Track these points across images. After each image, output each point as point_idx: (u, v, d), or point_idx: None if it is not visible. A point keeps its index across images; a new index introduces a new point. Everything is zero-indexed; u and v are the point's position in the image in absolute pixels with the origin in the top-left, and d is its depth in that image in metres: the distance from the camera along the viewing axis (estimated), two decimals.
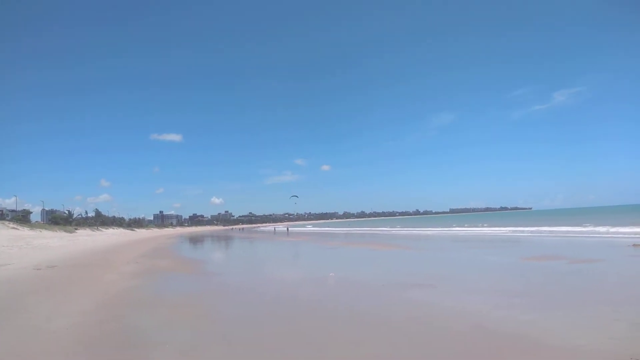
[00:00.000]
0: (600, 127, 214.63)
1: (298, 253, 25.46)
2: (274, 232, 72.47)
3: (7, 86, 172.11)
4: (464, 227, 50.35)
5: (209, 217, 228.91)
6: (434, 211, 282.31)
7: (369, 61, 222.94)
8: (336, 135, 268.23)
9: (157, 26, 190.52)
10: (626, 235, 24.71)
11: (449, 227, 53.18)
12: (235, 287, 11.69)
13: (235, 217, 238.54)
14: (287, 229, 76.29)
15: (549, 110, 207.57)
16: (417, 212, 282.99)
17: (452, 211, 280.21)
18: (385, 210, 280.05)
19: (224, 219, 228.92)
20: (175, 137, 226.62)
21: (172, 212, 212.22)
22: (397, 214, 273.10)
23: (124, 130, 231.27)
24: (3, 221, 59.01)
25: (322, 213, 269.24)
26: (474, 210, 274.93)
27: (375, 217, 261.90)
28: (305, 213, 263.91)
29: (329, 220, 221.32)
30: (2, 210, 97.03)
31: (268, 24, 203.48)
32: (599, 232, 29.08)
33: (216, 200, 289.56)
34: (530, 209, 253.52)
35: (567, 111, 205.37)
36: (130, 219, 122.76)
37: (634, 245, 17.87)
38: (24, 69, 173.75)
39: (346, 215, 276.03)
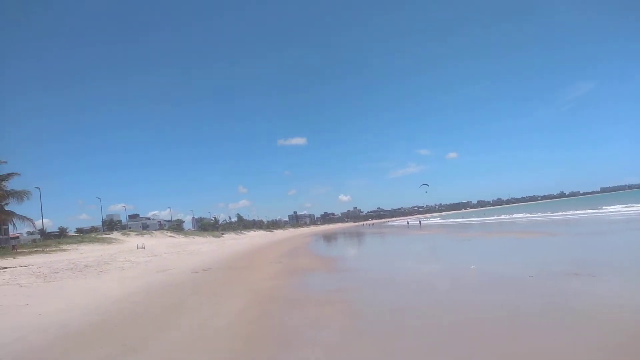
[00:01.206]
0: None
1: (433, 246, 24.78)
2: (408, 225, 71.57)
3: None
4: (620, 206, 44.43)
5: (339, 215, 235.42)
6: (581, 192, 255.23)
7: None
8: (460, 120, 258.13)
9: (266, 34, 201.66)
10: None
11: (602, 208, 47.44)
12: (375, 282, 11.72)
13: (364, 213, 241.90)
14: (420, 222, 74.94)
15: None
16: (561, 195, 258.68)
17: (604, 190, 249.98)
18: (524, 195, 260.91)
19: (354, 215, 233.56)
20: (300, 141, 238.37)
21: (305, 212, 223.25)
22: (539, 198, 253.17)
23: (254, 138, 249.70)
24: (162, 231, 67.03)
25: (453, 203, 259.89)
26: (630, 187, 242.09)
27: (513, 203, 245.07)
28: (436, 204, 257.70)
29: (462, 211, 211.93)
30: (160, 221, 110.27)
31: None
32: None
33: (344, 197, 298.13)
34: None
35: None
36: (268, 221, 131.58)
37: None
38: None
39: (480, 204, 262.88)
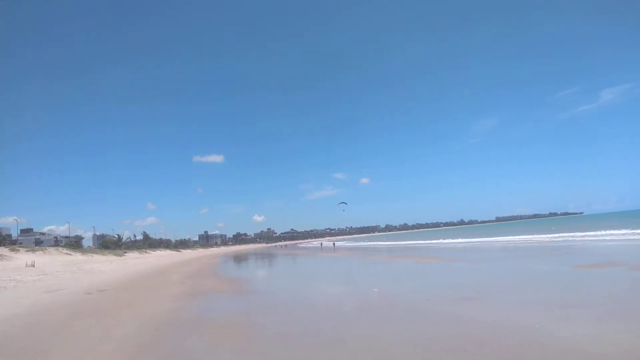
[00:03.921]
0: None
1: (341, 269, 25.19)
2: (321, 247, 72.01)
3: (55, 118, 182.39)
4: (511, 235, 48.49)
5: (252, 235, 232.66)
6: (479, 220, 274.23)
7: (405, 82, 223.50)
8: (374, 149, 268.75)
9: (187, 49, 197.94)
10: None
11: (496, 236, 51.54)
12: (280, 305, 11.63)
13: (277, 234, 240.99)
14: (334, 244, 76.17)
15: (596, 110, 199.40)
16: (461, 222, 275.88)
17: (499, 219, 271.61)
18: (428, 222, 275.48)
19: (267, 236, 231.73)
20: (217, 158, 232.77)
21: (217, 232, 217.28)
22: (441, 225, 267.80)
23: (167, 153, 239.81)
24: (57, 247, 61.79)
25: (363, 227, 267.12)
26: (521, 217, 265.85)
27: (418, 228, 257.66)
28: (347, 227, 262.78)
29: (372, 234, 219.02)
30: (56, 237, 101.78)
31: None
32: None
33: (258, 218, 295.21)
34: (582, 213, 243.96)
35: (616, 109, 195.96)
36: (176, 241, 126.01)
37: None
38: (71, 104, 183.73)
39: (388, 228, 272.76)
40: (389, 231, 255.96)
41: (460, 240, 53.14)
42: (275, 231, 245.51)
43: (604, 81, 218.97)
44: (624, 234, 31.87)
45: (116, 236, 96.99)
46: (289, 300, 12.50)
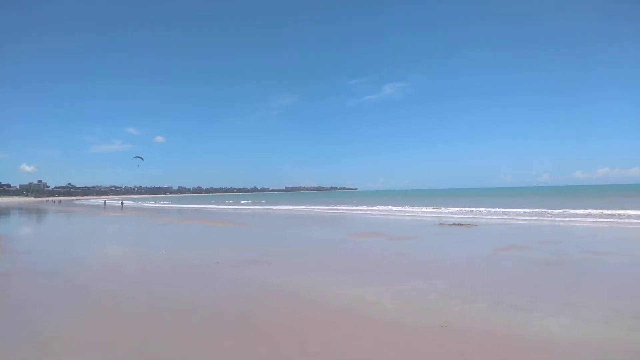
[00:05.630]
0: (424, 118, 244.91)
1: (126, 230, 23.44)
2: (104, 206, 65.35)
3: None
4: (297, 205, 52.32)
5: (18, 187, 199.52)
6: (270, 188, 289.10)
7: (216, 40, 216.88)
8: (173, 107, 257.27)
9: None
10: (432, 215, 28.67)
11: (285, 204, 55.01)
12: (46, 268, 10.25)
13: (50, 188, 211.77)
14: (122, 203, 70.30)
15: (379, 100, 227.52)
16: (254, 189, 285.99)
17: (288, 189, 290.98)
18: (223, 186, 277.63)
19: (37, 189, 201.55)
20: None
21: None
22: (235, 190, 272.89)
23: None
24: None
25: (155, 187, 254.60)
26: (307, 188, 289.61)
27: (212, 192, 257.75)
28: (136, 186, 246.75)
29: (163, 195, 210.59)
30: None
31: None
32: (411, 212, 33.13)
33: (27, 167, 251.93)
34: (356, 189, 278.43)
35: (393, 102, 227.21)
36: None
37: (440, 224, 20.62)
38: None
39: (181, 190, 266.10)
40: (182, 193, 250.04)
41: (251, 206, 55.13)
42: (48, 184, 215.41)
43: (387, 77, 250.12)
44: (387, 210, 37.41)
45: None
46: (57, 263, 11.15)
